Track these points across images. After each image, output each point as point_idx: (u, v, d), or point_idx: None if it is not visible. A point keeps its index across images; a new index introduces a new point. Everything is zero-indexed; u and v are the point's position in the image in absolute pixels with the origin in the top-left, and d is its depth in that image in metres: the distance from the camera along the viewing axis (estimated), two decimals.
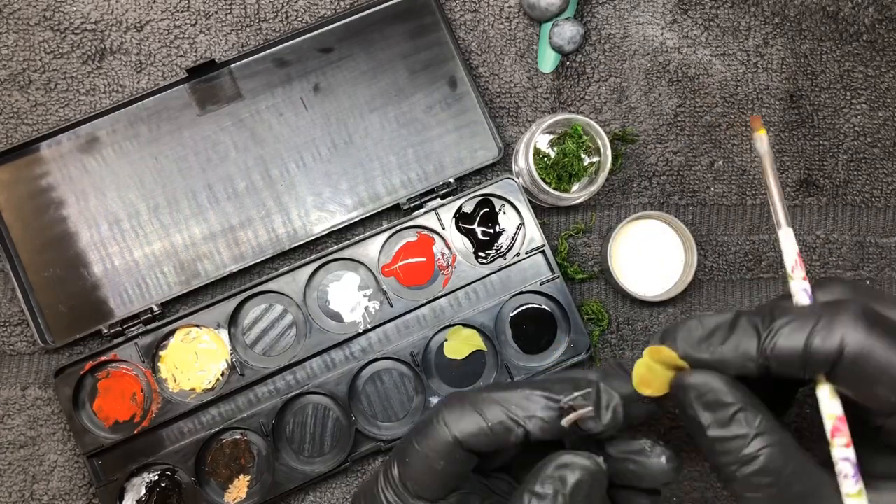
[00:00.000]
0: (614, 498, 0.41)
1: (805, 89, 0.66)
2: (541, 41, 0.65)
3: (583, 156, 0.62)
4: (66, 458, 0.62)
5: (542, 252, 0.63)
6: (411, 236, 0.63)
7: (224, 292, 0.63)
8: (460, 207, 0.63)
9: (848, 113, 0.66)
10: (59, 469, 0.62)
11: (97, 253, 0.63)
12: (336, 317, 0.63)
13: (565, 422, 0.38)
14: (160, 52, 0.64)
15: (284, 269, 0.63)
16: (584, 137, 0.61)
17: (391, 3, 0.64)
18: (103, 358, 0.61)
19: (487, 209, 0.64)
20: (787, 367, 0.35)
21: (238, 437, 0.62)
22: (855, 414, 0.36)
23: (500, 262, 0.63)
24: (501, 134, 0.65)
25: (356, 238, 0.63)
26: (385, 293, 0.63)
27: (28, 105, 0.64)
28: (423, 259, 0.63)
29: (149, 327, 0.62)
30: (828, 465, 0.36)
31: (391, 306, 0.63)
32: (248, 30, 0.64)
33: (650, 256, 0.63)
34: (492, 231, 0.64)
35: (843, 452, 0.35)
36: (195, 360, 0.62)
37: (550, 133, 0.63)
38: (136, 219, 0.63)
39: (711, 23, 0.65)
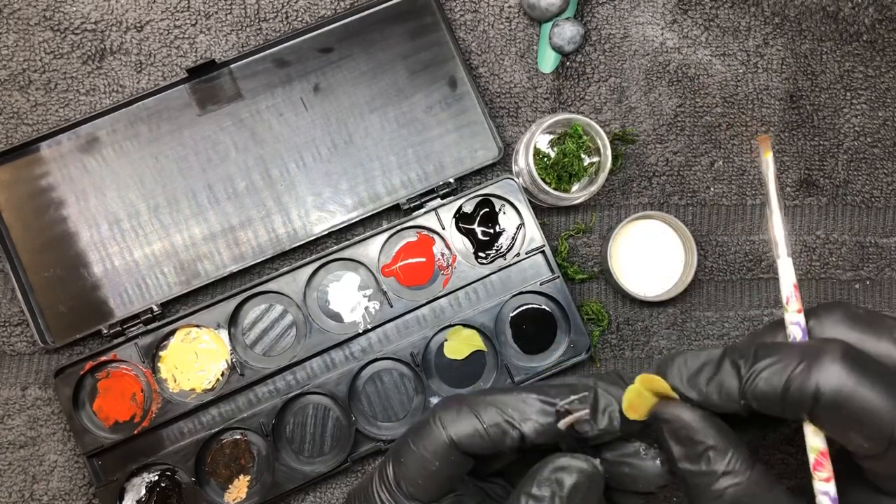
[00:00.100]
0: (609, 500, 0.41)
1: (805, 89, 0.66)
2: (541, 41, 0.65)
3: (583, 156, 0.62)
4: (66, 458, 0.62)
5: (542, 252, 0.63)
6: (411, 236, 0.63)
7: (224, 292, 0.63)
8: (460, 207, 0.63)
9: (848, 113, 0.66)
10: (59, 469, 0.62)
11: (97, 253, 0.63)
12: (336, 317, 0.63)
13: (562, 424, 0.39)
14: (160, 52, 0.64)
15: (284, 269, 0.63)
16: (584, 137, 0.61)
17: (391, 3, 0.64)
18: (103, 358, 0.61)
19: (487, 209, 0.64)
20: (769, 409, 0.36)
21: (238, 437, 0.62)
22: (841, 448, 0.36)
23: (500, 262, 0.63)
24: (501, 134, 0.65)
25: (356, 238, 0.63)
26: (385, 293, 0.63)
27: (28, 105, 0.64)
28: (423, 259, 0.63)
29: (149, 327, 0.62)
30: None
31: (391, 306, 0.63)
32: (248, 30, 0.64)
33: (650, 256, 0.63)
34: (492, 231, 0.64)
35: (823, 486, 0.36)
36: (195, 360, 0.62)
37: (550, 133, 0.63)
38: (136, 219, 0.63)
39: (711, 23, 0.65)
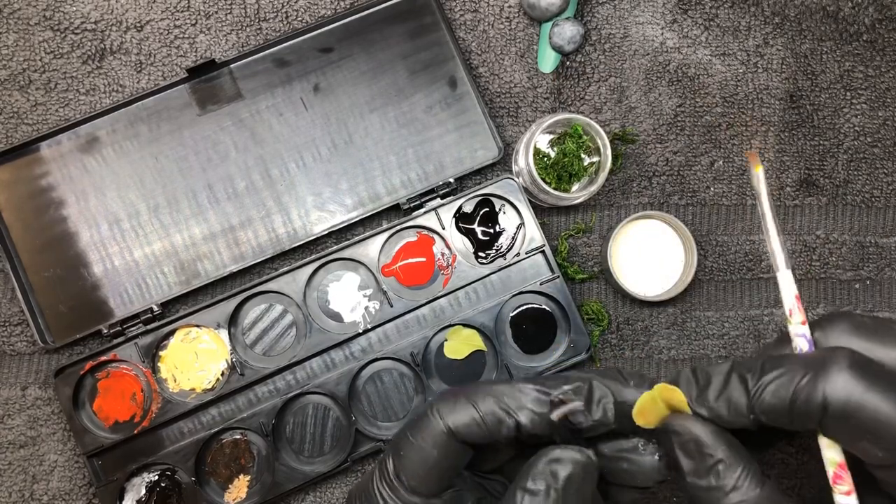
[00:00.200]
0: (605, 493, 0.41)
1: (805, 89, 0.66)
2: (541, 41, 0.65)
3: (583, 156, 0.62)
4: (66, 458, 0.62)
5: (542, 252, 0.63)
6: (411, 236, 0.64)
7: (224, 292, 0.63)
8: (460, 207, 0.63)
9: (848, 113, 0.66)
10: (59, 469, 0.62)
11: (97, 253, 0.63)
12: (336, 317, 0.63)
13: (555, 415, 0.39)
14: (160, 52, 0.64)
15: (284, 269, 0.63)
16: (584, 137, 0.61)
17: (391, 3, 0.64)
18: (103, 358, 0.61)
19: (487, 209, 0.64)
20: (778, 422, 0.36)
21: (238, 437, 0.62)
22: (853, 457, 0.36)
23: (500, 262, 0.63)
24: (501, 134, 0.65)
25: (356, 238, 0.63)
26: (385, 293, 0.63)
27: (28, 105, 0.64)
28: (423, 259, 0.63)
29: (149, 327, 0.62)
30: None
31: (391, 306, 0.63)
32: (248, 30, 0.64)
33: (650, 256, 0.63)
34: (492, 231, 0.64)
35: (844, 500, 0.35)
36: (195, 360, 0.62)
37: (550, 133, 0.63)
38: (136, 219, 0.63)
39: (711, 23, 0.65)
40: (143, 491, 0.61)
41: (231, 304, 0.62)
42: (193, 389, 0.62)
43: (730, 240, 0.65)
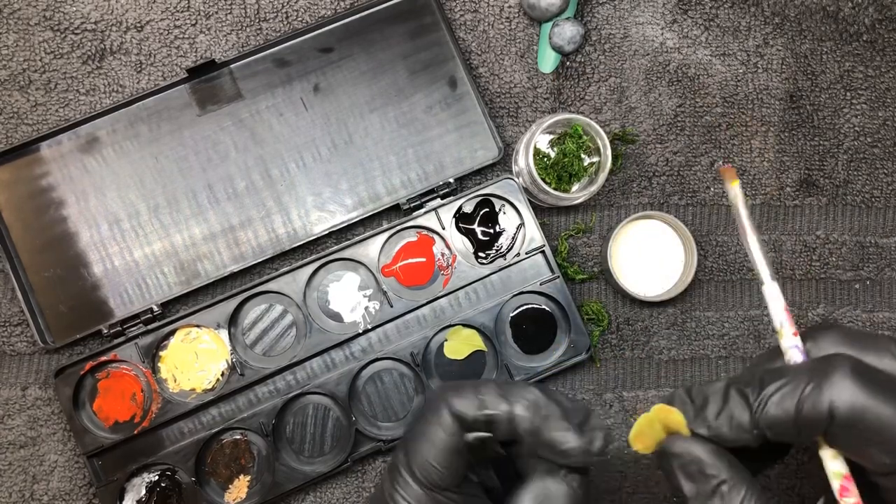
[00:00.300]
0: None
1: (805, 89, 0.66)
2: (541, 41, 0.65)
3: (583, 156, 0.62)
4: (66, 458, 0.62)
5: (542, 252, 0.63)
6: (411, 236, 0.63)
7: (224, 292, 0.63)
8: (460, 207, 0.63)
9: (848, 113, 0.66)
10: (59, 469, 0.62)
11: (97, 253, 0.63)
12: (336, 317, 0.63)
13: (471, 436, 0.40)
14: (160, 52, 0.64)
15: (284, 269, 0.63)
16: (584, 137, 0.61)
17: (391, 3, 0.64)
18: (103, 358, 0.61)
19: (487, 209, 0.64)
20: (783, 435, 0.35)
21: (238, 437, 0.62)
22: (855, 466, 0.36)
23: (500, 262, 0.63)
24: (501, 134, 0.65)
25: (356, 238, 0.63)
26: (385, 293, 0.63)
27: (28, 105, 0.64)
28: (423, 259, 0.63)
29: (149, 327, 0.62)
30: None
31: (391, 306, 0.63)
32: (248, 30, 0.64)
33: (650, 256, 0.63)
34: (492, 231, 0.64)
35: None
36: (195, 360, 0.62)
37: (550, 133, 0.63)
38: (136, 219, 0.63)
39: (711, 23, 0.65)
40: (143, 491, 0.61)
41: (231, 305, 0.62)
42: (193, 389, 0.62)
43: (730, 240, 0.65)
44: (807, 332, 0.39)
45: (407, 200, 0.63)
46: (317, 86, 0.64)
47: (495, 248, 0.64)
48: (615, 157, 0.64)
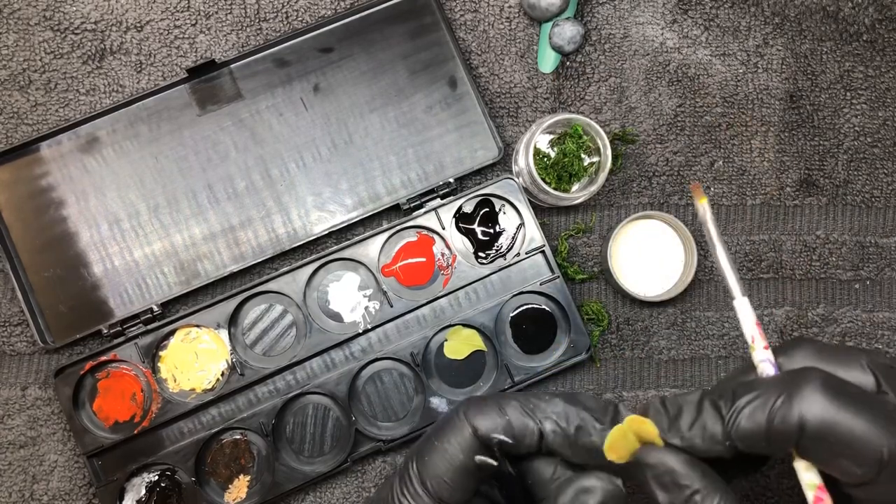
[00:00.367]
0: None
1: (805, 89, 0.66)
2: (541, 41, 0.65)
3: (583, 156, 0.62)
4: (66, 458, 0.62)
5: (542, 252, 0.63)
6: (411, 236, 0.63)
7: (224, 292, 0.63)
8: (460, 207, 0.63)
9: (848, 113, 0.66)
10: (59, 469, 0.62)
11: (97, 253, 0.63)
12: (336, 317, 0.63)
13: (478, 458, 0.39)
14: (160, 52, 0.64)
15: (284, 269, 0.63)
16: (584, 137, 0.61)
17: (391, 3, 0.64)
18: (103, 358, 0.61)
19: (487, 209, 0.64)
20: (754, 447, 0.36)
21: (238, 437, 0.62)
22: (830, 477, 0.36)
23: (500, 262, 0.63)
24: (501, 134, 0.65)
25: (356, 238, 0.63)
26: (385, 293, 0.63)
27: (28, 105, 0.64)
28: (423, 259, 0.63)
29: (149, 327, 0.62)
30: None
31: (391, 306, 0.63)
32: (248, 30, 0.64)
33: (650, 256, 0.63)
34: (492, 231, 0.64)
35: None
36: (195, 360, 0.62)
37: (550, 133, 0.63)
38: (136, 219, 0.63)
39: (711, 23, 0.65)
40: (143, 491, 0.61)
41: (231, 304, 0.62)
42: (193, 389, 0.62)
43: (730, 240, 0.65)
44: (780, 347, 0.39)
45: (407, 200, 0.63)
46: (317, 86, 0.64)
47: (495, 248, 0.64)
48: (615, 157, 0.64)
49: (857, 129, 0.65)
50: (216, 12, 0.64)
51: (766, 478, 0.63)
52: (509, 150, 0.65)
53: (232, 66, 0.63)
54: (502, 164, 0.65)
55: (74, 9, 0.64)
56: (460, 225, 0.64)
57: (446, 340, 0.63)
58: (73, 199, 0.63)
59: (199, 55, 0.64)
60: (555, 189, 0.61)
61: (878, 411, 0.34)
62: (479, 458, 0.39)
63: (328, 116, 0.64)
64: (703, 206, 0.42)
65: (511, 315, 0.63)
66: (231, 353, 0.62)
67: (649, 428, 0.37)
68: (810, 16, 0.66)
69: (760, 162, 0.65)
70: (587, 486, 0.38)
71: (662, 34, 0.65)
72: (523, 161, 0.61)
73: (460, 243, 0.64)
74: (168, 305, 0.63)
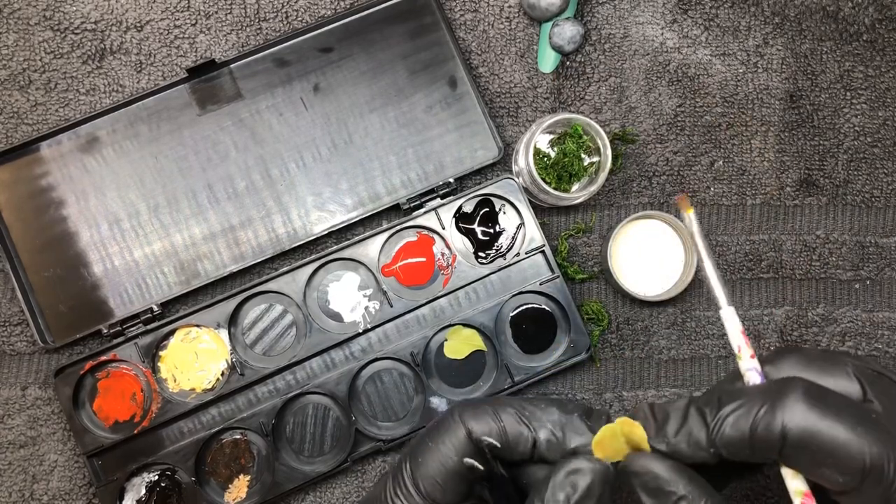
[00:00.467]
0: None
1: (805, 89, 0.66)
2: (541, 41, 0.65)
3: (583, 156, 0.62)
4: (66, 458, 0.62)
5: (542, 252, 0.63)
6: (411, 236, 0.63)
7: (224, 292, 0.63)
8: (460, 207, 0.63)
9: (848, 113, 0.66)
10: (59, 469, 0.62)
11: (97, 253, 0.63)
12: (336, 317, 0.63)
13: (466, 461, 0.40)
14: (160, 52, 0.64)
15: (284, 269, 0.63)
16: (584, 137, 0.61)
17: (391, 3, 0.64)
18: (103, 358, 0.61)
19: (487, 209, 0.64)
20: (738, 454, 0.36)
21: (238, 437, 0.62)
22: (815, 485, 0.37)
23: (500, 262, 0.63)
24: (501, 134, 0.65)
25: (356, 238, 0.63)
26: (385, 293, 0.63)
27: (28, 105, 0.64)
28: (423, 259, 0.63)
29: (149, 327, 0.62)
30: None
31: (391, 306, 0.63)
32: (248, 30, 0.64)
33: (650, 256, 0.63)
34: (492, 231, 0.64)
35: None
36: (195, 360, 0.62)
37: (550, 133, 0.63)
38: (136, 219, 0.63)
39: (711, 23, 0.65)
40: (143, 491, 0.61)
41: (231, 304, 0.62)
42: (193, 389, 0.62)
43: (730, 240, 0.65)
44: (767, 357, 0.40)
45: (407, 200, 0.63)
46: (317, 86, 0.64)
47: (495, 247, 0.64)
48: (615, 157, 0.64)
49: (857, 129, 0.65)
50: (216, 12, 0.64)
51: (766, 478, 0.63)
52: (509, 150, 0.65)
53: (232, 66, 0.63)
54: (502, 164, 0.65)
55: (74, 9, 0.64)
56: (460, 225, 0.64)
57: (446, 340, 0.63)
58: (73, 199, 0.63)
59: (199, 55, 0.64)
60: (555, 189, 0.61)
61: (861, 419, 0.35)
62: (467, 460, 0.40)
63: (328, 116, 0.64)
64: (690, 217, 0.43)
65: (511, 315, 0.63)
66: (231, 353, 0.62)
67: (639, 432, 0.38)
68: (810, 16, 0.66)
69: (760, 162, 0.65)
70: (578, 467, 0.38)
71: (662, 34, 0.65)
72: (523, 161, 0.61)
73: (460, 243, 0.64)
74: (168, 305, 0.63)
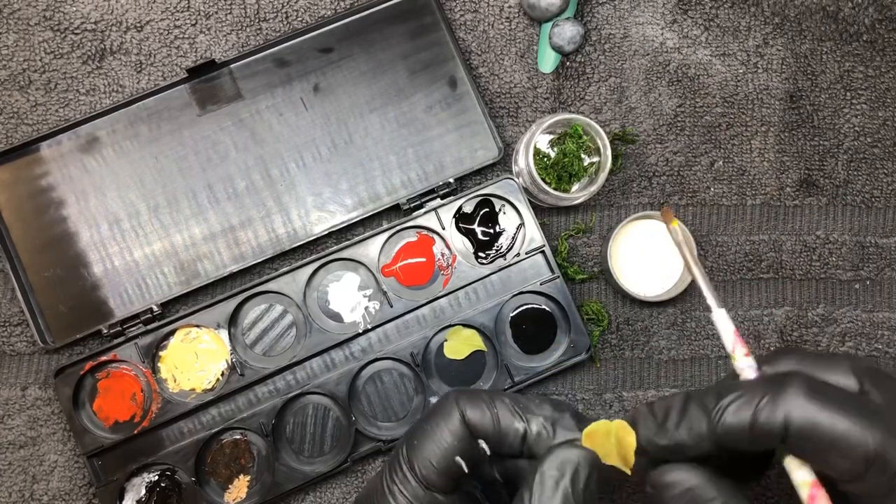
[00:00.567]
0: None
1: (805, 89, 0.66)
2: (541, 41, 0.65)
3: (583, 156, 0.62)
4: (66, 458, 0.62)
5: (542, 252, 0.63)
6: (411, 236, 0.63)
7: (224, 292, 0.63)
8: (460, 207, 0.63)
9: (848, 113, 0.66)
10: (59, 469, 0.62)
11: (97, 253, 0.63)
12: (336, 317, 0.63)
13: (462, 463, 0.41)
14: (160, 52, 0.64)
15: (284, 269, 0.63)
16: (584, 137, 0.61)
17: (391, 3, 0.64)
18: (103, 358, 0.61)
19: (487, 209, 0.64)
20: (739, 443, 0.37)
21: (238, 437, 0.62)
22: (824, 477, 0.37)
23: (500, 262, 0.63)
24: (501, 134, 0.65)
25: (356, 238, 0.63)
26: (385, 293, 0.63)
27: (28, 105, 0.64)
28: (423, 259, 0.63)
29: (149, 327, 0.62)
30: None
31: (391, 306, 0.63)
32: (248, 30, 0.64)
33: (650, 256, 0.63)
34: (492, 231, 0.64)
35: None
36: (195, 360, 0.62)
37: (550, 133, 0.63)
38: (136, 219, 0.63)
39: (711, 23, 0.65)
40: (143, 491, 0.61)
41: (231, 304, 0.62)
42: (193, 389, 0.62)
43: (730, 240, 0.65)
44: (765, 357, 0.41)
45: (407, 200, 0.63)
46: (317, 86, 0.64)
47: (495, 248, 0.64)
48: (615, 157, 0.64)
49: (857, 129, 0.65)
50: (216, 12, 0.64)
51: (766, 478, 0.63)
52: (509, 150, 0.65)
53: (232, 66, 0.63)
54: (502, 164, 0.65)
55: (74, 9, 0.64)
56: (460, 225, 0.64)
57: (446, 340, 0.63)
58: (73, 199, 0.63)
59: (199, 55, 0.64)
60: (555, 189, 0.61)
61: (861, 410, 0.35)
62: (457, 459, 0.41)
63: (328, 116, 0.64)
64: (675, 230, 0.44)
65: (511, 315, 0.63)
66: (231, 353, 0.62)
67: (630, 440, 0.39)
68: (810, 16, 0.66)
69: (760, 162, 0.65)
70: (566, 453, 0.39)
71: (662, 34, 0.65)
72: (523, 161, 0.61)
73: (460, 243, 0.64)
74: (168, 305, 0.63)
